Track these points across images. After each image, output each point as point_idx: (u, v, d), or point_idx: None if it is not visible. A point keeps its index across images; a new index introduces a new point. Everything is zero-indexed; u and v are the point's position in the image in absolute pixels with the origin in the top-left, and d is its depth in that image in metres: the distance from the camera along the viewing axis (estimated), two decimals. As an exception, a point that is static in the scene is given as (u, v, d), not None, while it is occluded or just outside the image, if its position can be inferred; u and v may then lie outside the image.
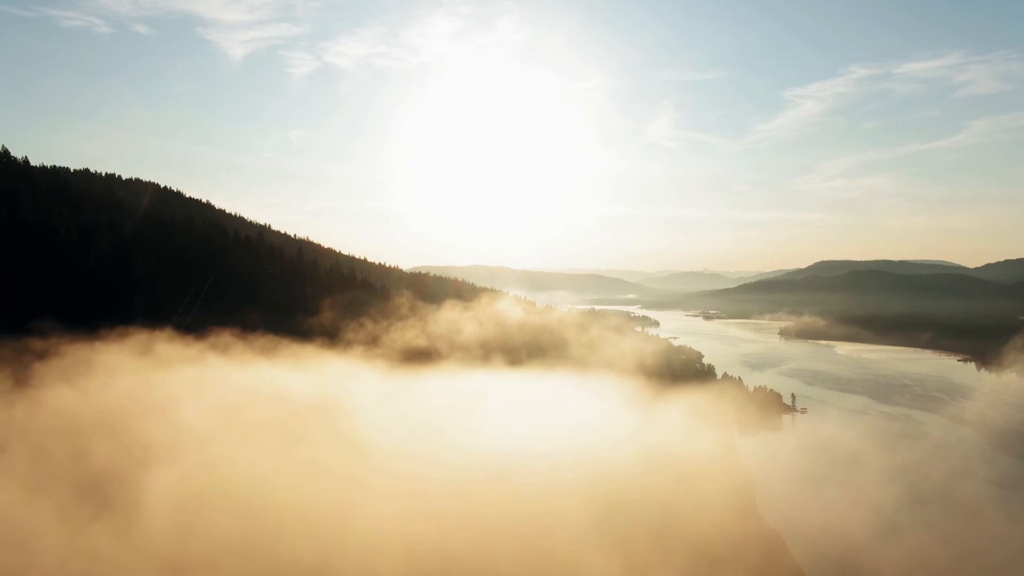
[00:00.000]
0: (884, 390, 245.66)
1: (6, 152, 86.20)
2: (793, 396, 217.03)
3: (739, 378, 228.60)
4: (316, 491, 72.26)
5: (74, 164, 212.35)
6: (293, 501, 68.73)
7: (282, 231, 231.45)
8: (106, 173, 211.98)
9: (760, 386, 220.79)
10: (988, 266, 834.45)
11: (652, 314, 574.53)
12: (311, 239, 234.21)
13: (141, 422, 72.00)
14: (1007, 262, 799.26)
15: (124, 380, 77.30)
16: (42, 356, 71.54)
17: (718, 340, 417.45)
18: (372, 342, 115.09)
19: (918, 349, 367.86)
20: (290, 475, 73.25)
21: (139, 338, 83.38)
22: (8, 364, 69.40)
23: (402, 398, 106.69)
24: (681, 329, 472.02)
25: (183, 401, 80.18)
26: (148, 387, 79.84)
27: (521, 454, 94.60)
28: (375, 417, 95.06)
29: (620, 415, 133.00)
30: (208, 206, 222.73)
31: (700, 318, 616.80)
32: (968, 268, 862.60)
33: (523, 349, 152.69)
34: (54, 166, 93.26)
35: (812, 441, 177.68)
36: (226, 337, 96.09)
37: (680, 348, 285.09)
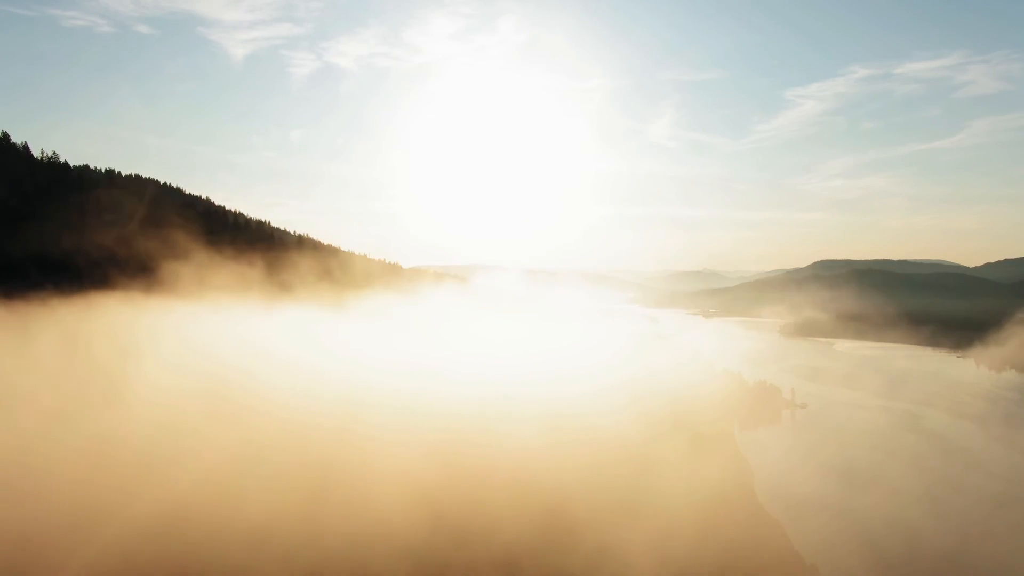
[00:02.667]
0: (884, 385, 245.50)
1: (6, 136, 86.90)
2: (793, 391, 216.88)
3: (739, 373, 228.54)
4: (312, 407, 74.95)
5: (74, 161, 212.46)
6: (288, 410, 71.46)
7: (282, 228, 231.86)
8: (106, 169, 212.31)
9: (760, 381, 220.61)
10: (988, 265, 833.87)
11: (652, 312, 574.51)
12: (311, 236, 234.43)
13: (142, 339, 75.00)
14: (1007, 261, 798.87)
15: (122, 315, 79.76)
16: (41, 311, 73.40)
17: (718, 338, 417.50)
18: (372, 313, 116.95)
19: (918, 346, 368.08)
20: (286, 390, 76.19)
21: (138, 299, 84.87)
22: (11, 317, 71.48)
23: (399, 339, 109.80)
24: (681, 327, 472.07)
25: (186, 330, 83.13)
26: (147, 318, 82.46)
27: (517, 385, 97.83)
28: (374, 353, 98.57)
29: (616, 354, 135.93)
30: (208, 202, 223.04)
31: (700, 316, 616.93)
32: (968, 267, 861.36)
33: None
34: (54, 153, 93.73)
35: (812, 434, 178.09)
36: (226, 298, 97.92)
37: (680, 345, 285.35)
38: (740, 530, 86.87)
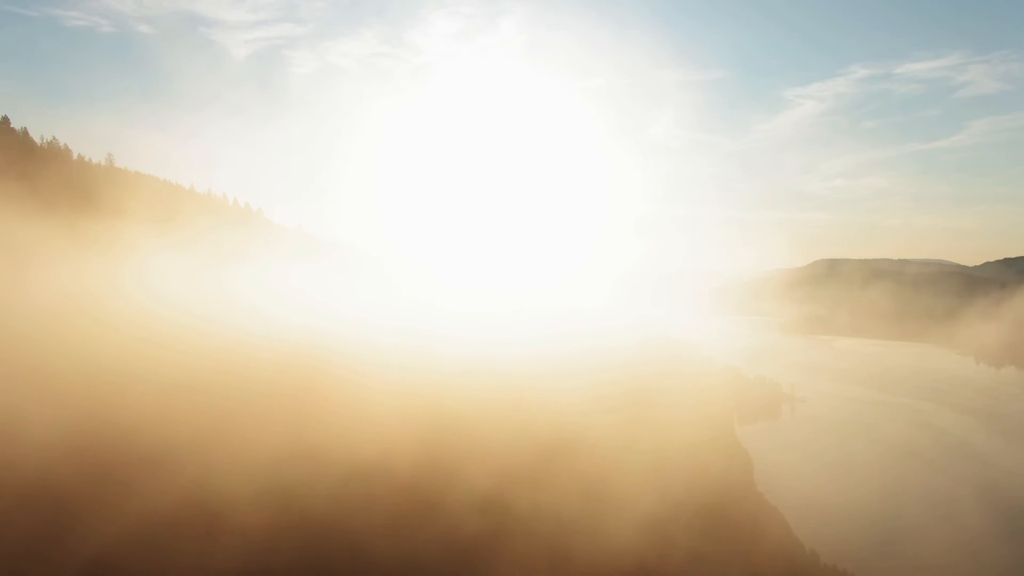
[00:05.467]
0: (883, 381, 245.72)
1: (6, 120, 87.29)
2: (792, 386, 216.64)
3: (739, 369, 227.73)
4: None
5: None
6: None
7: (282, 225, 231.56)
8: (105, 164, 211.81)
9: (760, 376, 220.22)
10: (987, 264, 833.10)
11: (651, 310, 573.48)
12: (310, 230, 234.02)
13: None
14: (1006, 260, 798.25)
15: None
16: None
17: (719, 335, 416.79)
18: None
19: (917, 343, 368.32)
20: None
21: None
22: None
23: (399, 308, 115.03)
24: (681, 326, 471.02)
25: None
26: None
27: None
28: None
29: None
30: (208, 198, 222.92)
31: (700, 314, 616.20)
32: (967, 267, 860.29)
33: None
34: (54, 138, 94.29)
35: (811, 427, 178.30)
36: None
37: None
38: (740, 516, 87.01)
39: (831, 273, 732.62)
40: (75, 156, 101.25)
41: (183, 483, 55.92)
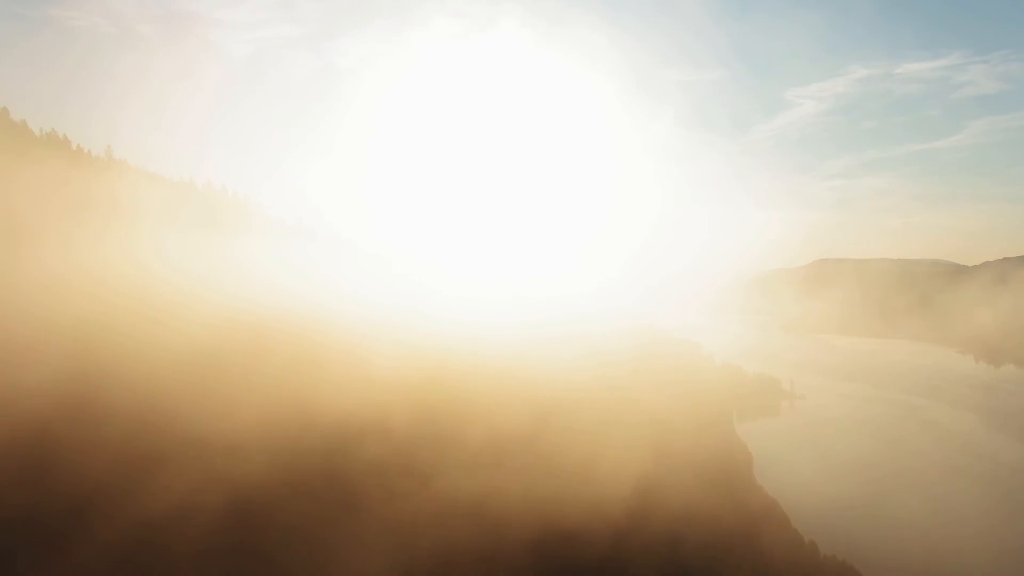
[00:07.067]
0: (883, 379, 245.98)
1: (6, 111, 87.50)
2: (792, 383, 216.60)
3: (739, 367, 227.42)
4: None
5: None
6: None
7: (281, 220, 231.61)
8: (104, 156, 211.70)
9: (759, 373, 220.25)
10: (986, 264, 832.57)
11: (651, 309, 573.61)
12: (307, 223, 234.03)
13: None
14: (1005, 260, 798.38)
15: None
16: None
17: (718, 334, 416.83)
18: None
19: (915, 341, 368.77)
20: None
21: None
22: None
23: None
24: (681, 325, 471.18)
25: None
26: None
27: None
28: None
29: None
30: (208, 192, 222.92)
31: (700, 314, 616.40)
32: (967, 266, 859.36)
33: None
34: (52, 129, 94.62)
35: (809, 423, 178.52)
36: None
37: (680, 341, 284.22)
38: (740, 508, 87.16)
39: (831, 272, 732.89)
40: (74, 147, 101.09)
41: (177, 428, 56.13)
